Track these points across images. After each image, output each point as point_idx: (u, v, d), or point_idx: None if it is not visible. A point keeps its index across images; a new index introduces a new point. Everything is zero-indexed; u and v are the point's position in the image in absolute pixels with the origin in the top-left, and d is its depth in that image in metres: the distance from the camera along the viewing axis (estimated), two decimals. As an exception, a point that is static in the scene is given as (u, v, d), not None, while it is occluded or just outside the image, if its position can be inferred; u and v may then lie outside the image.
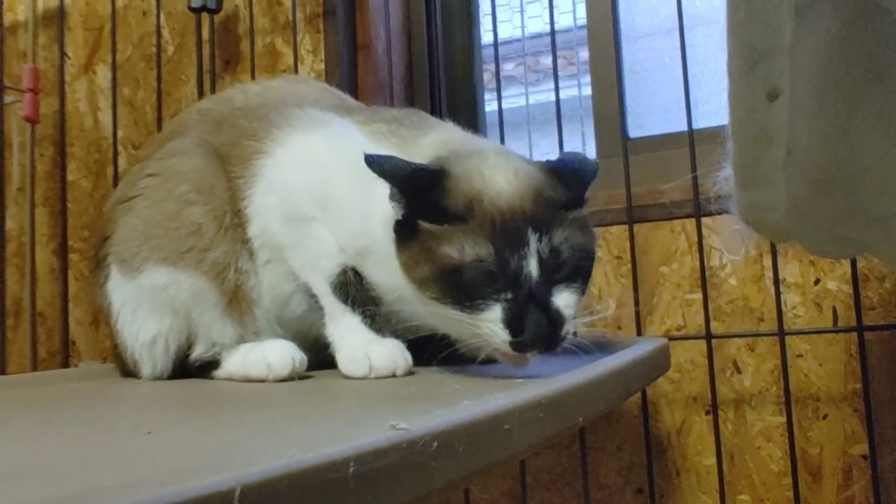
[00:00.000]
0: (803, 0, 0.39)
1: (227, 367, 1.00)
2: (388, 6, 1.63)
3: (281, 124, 1.05)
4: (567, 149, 1.40)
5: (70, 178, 1.79)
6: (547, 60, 1.94)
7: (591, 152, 1.64)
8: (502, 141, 1.42)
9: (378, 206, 0.95)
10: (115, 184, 1.53)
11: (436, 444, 0.42)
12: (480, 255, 0.80)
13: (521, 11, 1.77)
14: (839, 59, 0.39)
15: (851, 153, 0.43)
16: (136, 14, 1.69)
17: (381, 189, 0.94)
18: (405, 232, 0.87)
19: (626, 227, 1.31)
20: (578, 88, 1.76)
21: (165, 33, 1.69)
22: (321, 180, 1.00)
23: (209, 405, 0.82)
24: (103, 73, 1.78)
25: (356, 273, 0.98)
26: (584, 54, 1.70)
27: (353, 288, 0.98)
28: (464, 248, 0.82)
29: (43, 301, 1.76)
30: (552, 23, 1.40)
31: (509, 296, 0.80)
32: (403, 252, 0.87)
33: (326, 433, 0.51)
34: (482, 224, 0.82)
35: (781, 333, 1.19)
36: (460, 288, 0.81)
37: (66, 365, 1.72)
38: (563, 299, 0.82)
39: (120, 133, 1.74)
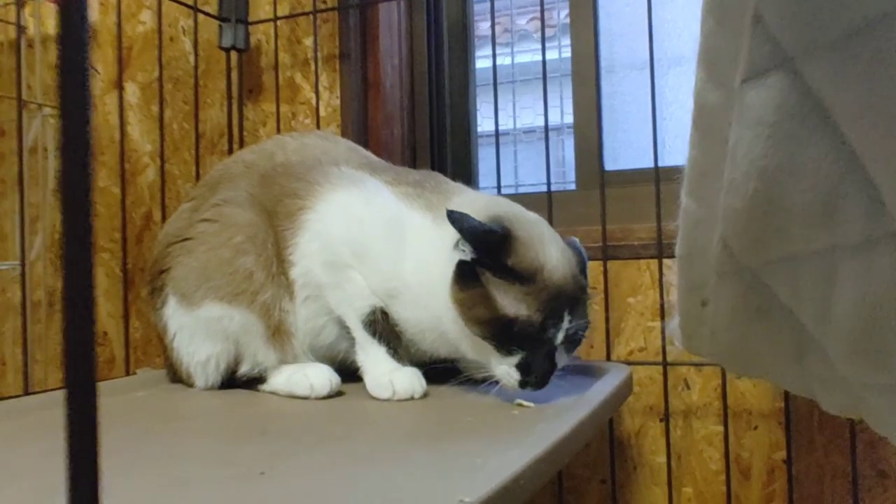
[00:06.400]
0: (721, 271, 0.61)
1: (273, 384, 1.14)
2: (399, 46, 1.78)
3: (322, 182, 1.18)
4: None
5: (101, 184, 1.96)
6: (522, 21, 2.01)
7: (568, 114, 1.78)
8: (495, 94, 1.52)
9: (408, 255, 1.11)
10: (131, 188, 1.69)
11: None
12: (532, 319, 0.99)
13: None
14: (739, 309, 0.62)
15: (749, 350, 0.66)
16: (164, 39, 1.84)
17: (413, 242, 1.11)
18: (466, 274, 1.02)
19: (601, 262, 1.45)
20: (559, 51, 1.90)
21: (192, 59, 1.85)
22: (358, 233, 1.12)
23: (287, 433, 0.94)
24: (132, 90, 1.93)
25: (383, 312, 1.12)
26: (565, 12, 1.79)
27: (380, 325, 1.12)
28: (522, 307, 0.99)
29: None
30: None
31: (533, 349, 0.99)
32: (463, 291, 1.02)
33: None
34: (540, 292, 1.00)
35: (722, 363, 1.40)
36: (506, 334, 0.99)
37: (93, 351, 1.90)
38: (563, 360, 1.04)
39: (149, 147, 1.91)
